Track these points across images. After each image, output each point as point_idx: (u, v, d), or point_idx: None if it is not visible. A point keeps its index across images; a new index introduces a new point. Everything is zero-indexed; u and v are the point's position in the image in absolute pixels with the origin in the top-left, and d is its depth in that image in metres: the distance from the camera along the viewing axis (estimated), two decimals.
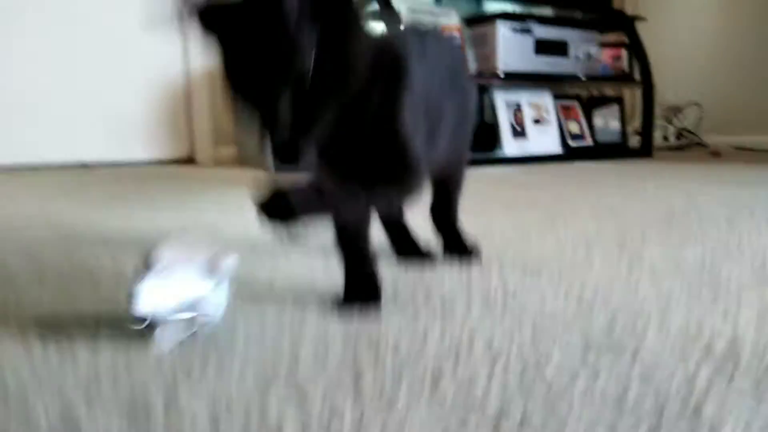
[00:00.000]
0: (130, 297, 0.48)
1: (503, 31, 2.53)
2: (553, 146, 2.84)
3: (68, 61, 2.48)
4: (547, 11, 2.92)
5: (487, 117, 3.32)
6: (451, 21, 2.55)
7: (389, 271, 0.72)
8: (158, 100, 2.68)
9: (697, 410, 0.38)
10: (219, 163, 2.74)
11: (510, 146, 2.72)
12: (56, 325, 0.54)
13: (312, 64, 0.47)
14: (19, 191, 1.74)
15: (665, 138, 3.52)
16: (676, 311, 0.57)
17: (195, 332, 0.50)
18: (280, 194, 0.54)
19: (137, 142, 2.63)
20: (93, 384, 0.43)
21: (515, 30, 2.57)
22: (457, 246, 0.79)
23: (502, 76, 2.59)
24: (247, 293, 0.62)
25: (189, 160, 2.76)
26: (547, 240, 0.93)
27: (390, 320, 0.55)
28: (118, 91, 2.57)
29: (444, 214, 0.81)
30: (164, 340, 0.49)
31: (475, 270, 0.73)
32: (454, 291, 0.64)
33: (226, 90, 0.50)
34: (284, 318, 0.56)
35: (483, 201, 1.42)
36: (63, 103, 2.47)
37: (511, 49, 2.57)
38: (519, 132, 2.77)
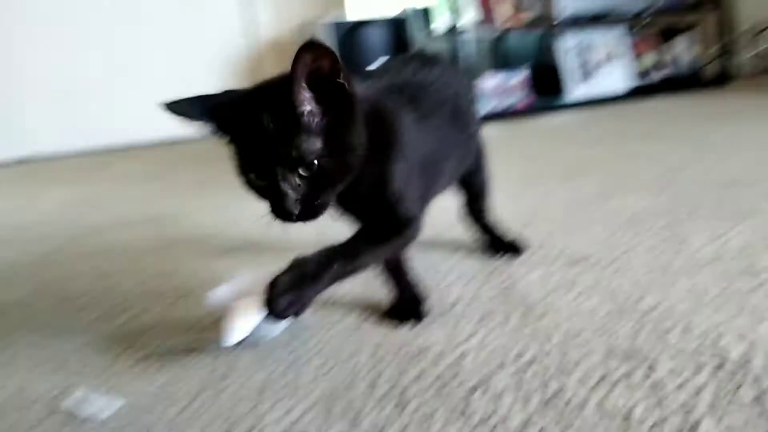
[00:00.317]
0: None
1: None
2: (624, 84, 2.75)
3: (139, 43, 2.63)
4: None
5: (551, 61, 3.23)
6: None
7: (434, 278, 0.80)
8: (227, 72, 2.80)
9: (695, 427, 0.44)
10: None
11: (576, 90, 2.66)
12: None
13: (322, 149, 0.54)
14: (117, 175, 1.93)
15: (754, 59, 3.29)
16: (702, 314, 0.61)
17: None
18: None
19: None
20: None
21: None
22: (497, 243, 0.85)
23: (564, 19, 2.51)
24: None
25: None
26: (596, 221, 0.96)
27: (433, 332, 0.63)
28: (190, 66, 2.70)
29: (476, 215, 0.87)
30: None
31: (518, 268, 0.79)
32: (495, 297, 0.71)
33: (241, 173, 0.56)
34: (345, 329, 0.66)
35: (538, 167, 1.44)
36: (138, 83, 2.63)
37: None
38: (586, 74, 2.69)
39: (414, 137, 0.64)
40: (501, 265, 0.80)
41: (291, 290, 0.54)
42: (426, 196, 0.68)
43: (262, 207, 0.56)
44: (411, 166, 0.63)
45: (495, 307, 0.67)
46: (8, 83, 2.46)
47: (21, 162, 2.53)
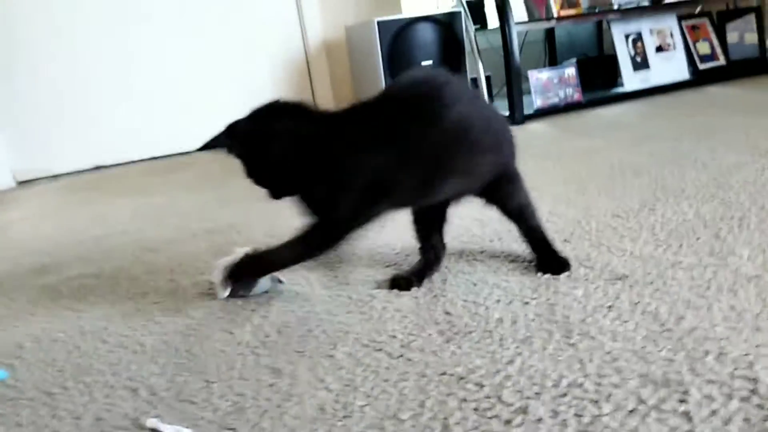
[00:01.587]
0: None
1: None
2: (680, 73, 2.68)
3: (198, 52, 2.74)
4: None
5: (604, 52, 3.17)
6: None
7: (479, 296, 0.84)
8: (283, 76, 2.89)
9: None
10: None
11: (631, 80, 2.61)
12: None
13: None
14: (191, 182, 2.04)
15: None
16: (739, 337, 0.63)
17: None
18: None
19: None
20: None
21: None
22: (548, 262, 0.88)
23: (616, 8, 2.47)
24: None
25: None
26: (642, 233, 0.98)
27: (476, 357, 0.67)
28: (248, 71, 2.81)
29: (530, 235, 0.91)
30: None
31: (560, 286, 0.82)
32: (537, 318, 0.75)
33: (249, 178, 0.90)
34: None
35: (588, 168, 1.44)
36: (199, 90, 2.75)
37: None
38: (640, 63, 2.64)
39: (355, 165, 0.82)
40: (544, 282, 0.84)
41: (238, 273, 0.91)
42: (371, 214, 0.85)
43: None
44: (345, 187, 0.83)
45: (536, 329, 0.71)
46: (73, 94, 2.62)
47: (85, 171, 2.70)
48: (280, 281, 0.97)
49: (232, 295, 0.92)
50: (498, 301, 0.80)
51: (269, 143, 0.86)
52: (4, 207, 2.11)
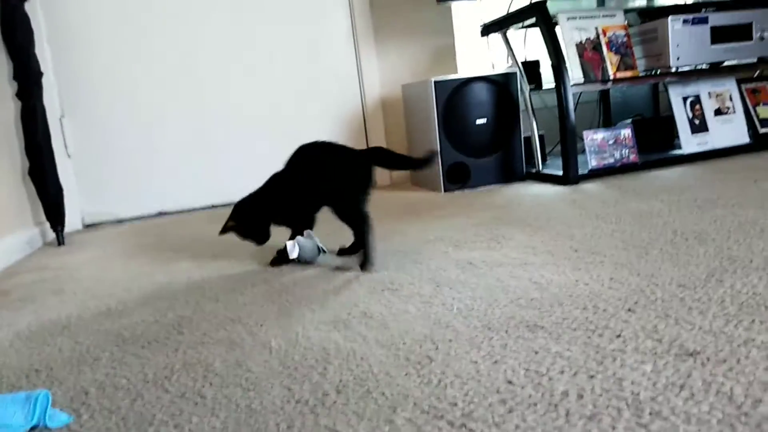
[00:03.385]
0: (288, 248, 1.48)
1: (674, 25, 2.40)
2: (740, 137, 2.63)
3: (259, 106, 2.86)
4: None
5: (660, 114, 3.15)
6: (615, 22, 2.48)
7: (541, 365, 0.82)
8: (340, 130, 2.97)
9: None
10: (394, 184, 2.97)
11: (689, 143, 2.57)
12: None
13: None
14: None
15: None
16: None
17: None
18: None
19: None
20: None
21: (688, 22, 2.41)
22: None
23: (674, 70, 2.46)
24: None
25: None
26: (708, 307, 0.95)
27: (543, 431, 0.65)
28: (305, 125, 2.90)
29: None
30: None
31: (627, 359, 0.80)
32: (603, 394, 0.72)
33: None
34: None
35: (649, 233, 1.40)
36: (257, 142, 2.85)
37: (685, 43, 2.42)
38: (699, 126, 2.60)
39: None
40: (610, 353, 0.81)
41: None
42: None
43: None
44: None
45: (604, 405, 0.68)
46: (139, 145, 2.75)
47: (148, 217, 2.80)
48: (323, 251, 1.58)
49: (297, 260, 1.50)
50: (562, 372, 0.78)
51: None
52: (73, 249, 2.21)
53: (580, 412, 0.68)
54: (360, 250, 1.45)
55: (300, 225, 1.60)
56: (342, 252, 1.60)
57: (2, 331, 1.24)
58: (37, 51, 2.32)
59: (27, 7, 2.29)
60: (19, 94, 2.25)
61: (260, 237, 1.61)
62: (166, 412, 0.80)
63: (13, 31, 2.24)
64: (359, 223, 1.44)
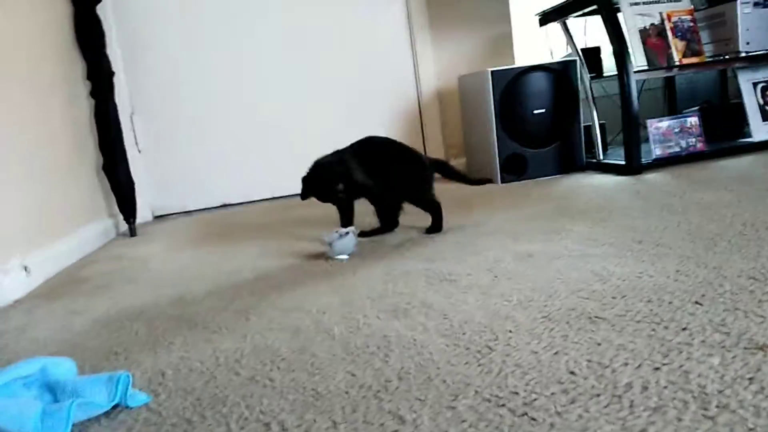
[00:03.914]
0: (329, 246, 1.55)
1: (744, 8, 2.29)
2: None
3: (317, 101, 2.91)
4: None
5: (728, 101, 3.02)
6: (681, 6, 2.39)
7: (604, 357, 0.82)
8: (396, 123, 2.99)
9: None
10: None
11: (759, 130, 2.46)
12: None
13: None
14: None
15: None
16: None
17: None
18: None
19: None
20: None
21: (759, 4, 2.30)
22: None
23: (744, 55, 2.35)
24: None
25: None
26: None
27: (606, 422, 0.65)
28: (363, 119, 2.93)
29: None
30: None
31: (693, 352, 0.79)
32: (669, 386, 0.72)
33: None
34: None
35: (717, 224, 1.36)
36: (316, 136, 2.90)
37: (755, 26, 2.31)
38: None
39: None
40: (676, 346, 0.80)
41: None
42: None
43: None
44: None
45: (670, 397, 0.68)
46: (204, 141, 2.85)
47: (213, 209, 2.90)
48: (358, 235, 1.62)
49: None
50: (626, 364, 0.77)
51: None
52: (145, 239, 2.32)
53: (644, 403, 0.67)
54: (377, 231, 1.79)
55: (347, 211, 1.85)
56: (363, 234, 1.76)
57: (82, 317, 1.33)
58: (109, 52, 2.44)
59: (98, 9, 2.41)
60: (93, 94, 2.37)
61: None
62: (238, 393, 0.84)
63: (85, 33, 2.36)
64: (434, 208, 1.75)
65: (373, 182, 1.75)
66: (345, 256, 1.56)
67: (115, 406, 0.85)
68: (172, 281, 1.55)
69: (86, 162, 2.34)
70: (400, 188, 1.76)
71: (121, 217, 2.46)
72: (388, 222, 1.80)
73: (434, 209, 1.75)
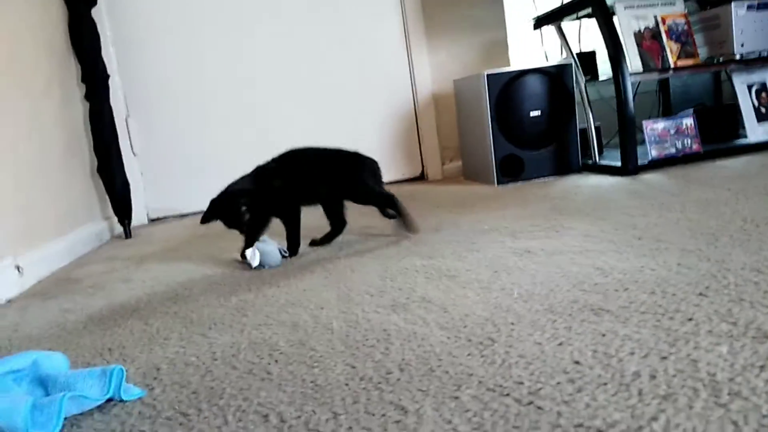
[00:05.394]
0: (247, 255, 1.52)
1: (738, 11, 2.30)
2: None
3: (311, 106, 2.90)
4: None
5: (723, 103, 3.03)
6: (675, 10, 2.40)
7: (610, 346, 0.80)
8: (392, 126, 2.98)
9: None
10: (446, 178, 2.96)
11: (755, 131, 2.47)
12: None
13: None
14: None
15: None
16: None
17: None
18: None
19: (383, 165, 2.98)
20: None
21: (753, 7, 2.31)
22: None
23: (738, 57, 2.36)
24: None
25: (420, 177, 3.03)
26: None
27: (614, 410, 0.64)
28: (357, 124, 2.92)
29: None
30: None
31: (701, 341, 0.77)
32: (678, 374, 0.70)
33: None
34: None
35: (717, 220, 1.35)
36: (310, 141, 2.89)
37: (749, 29, 2.32)
38: (765, 114, 2.49)
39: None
40: (682, 336, 0.79)
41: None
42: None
43: None
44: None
45: (679, 385, 0.66)
46: (201, 146, 2.83)
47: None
48: (284, 256, 1.58)
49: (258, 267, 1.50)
50: (632, 353, 0.76)
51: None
52: (140, 241, 2.30)
53: (654, 392, 0.66)
54: (329, 239, 1.71)
55: (255, 229, 1.64)
56: (314, 243, 1.72)
57: (76, 315, 1.30)
58: (104, 55, 2.42)
59: (93, 12, 2.39)
60: (88, 96, 2.36)
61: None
62: (235, 386, 0.82)
63: (80, 36, 2.34)
64: (386, 199, 1.67)
65: (297, 193, 1.66)
66: (276, 262, 1.53)
67: (108, 400, 0.83)
68: (167, 280, 1.53)
69: (80, 164, 2.32)
70: (340, 190, 1.68)
71: (115, 219, 2.43)
72: (336, 224, 1.73)
73: (388, 201, 1.66)
